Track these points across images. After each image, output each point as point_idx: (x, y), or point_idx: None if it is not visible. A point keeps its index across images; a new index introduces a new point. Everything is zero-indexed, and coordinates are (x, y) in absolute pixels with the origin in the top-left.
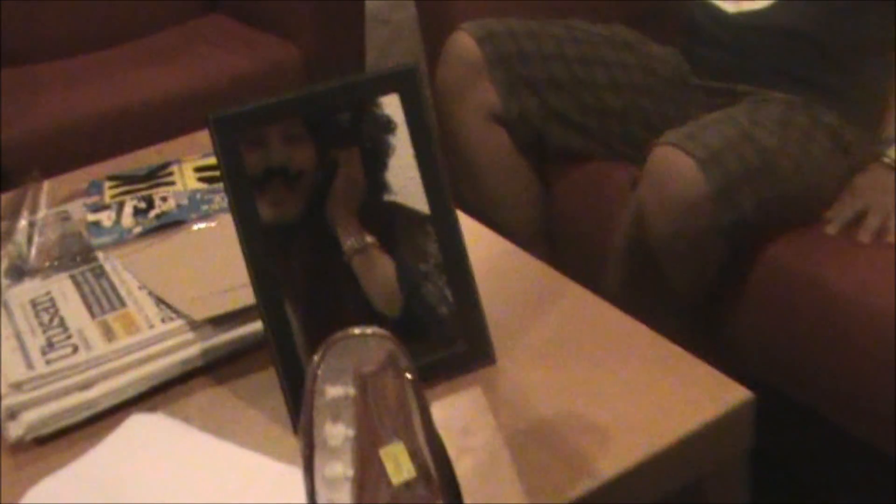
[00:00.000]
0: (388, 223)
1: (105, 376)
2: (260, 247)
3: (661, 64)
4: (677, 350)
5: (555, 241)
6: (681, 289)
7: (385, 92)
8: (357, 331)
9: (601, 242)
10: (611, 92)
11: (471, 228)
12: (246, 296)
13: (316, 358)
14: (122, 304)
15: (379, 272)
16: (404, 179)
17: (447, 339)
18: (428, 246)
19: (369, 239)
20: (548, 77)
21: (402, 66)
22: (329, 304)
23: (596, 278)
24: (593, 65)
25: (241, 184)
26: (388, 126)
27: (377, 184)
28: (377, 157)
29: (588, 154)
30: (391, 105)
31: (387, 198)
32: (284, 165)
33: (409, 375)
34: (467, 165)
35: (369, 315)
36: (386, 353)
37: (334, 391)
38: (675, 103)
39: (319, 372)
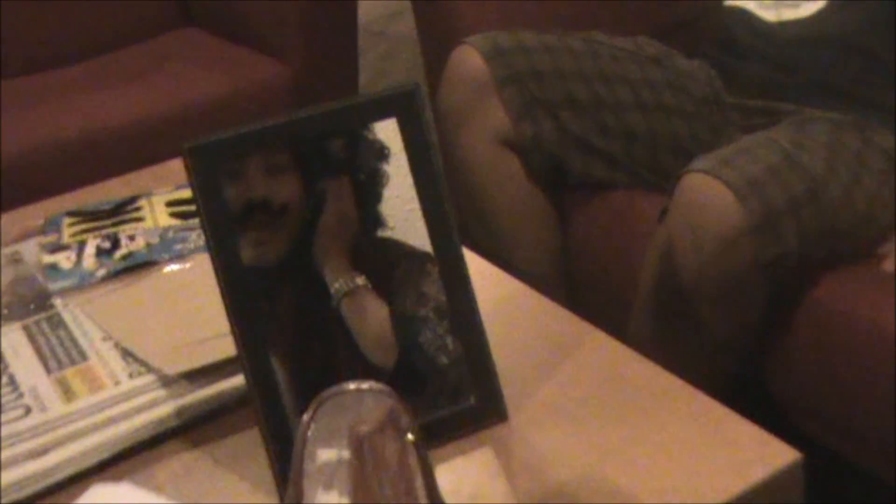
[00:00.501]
0: (383, 262)
1: (63, 441)
2: (242, 291)
3: (691, 81)
4: (715, 405)
5: (574, 281)
6: (718, 335)
7: (382, 116)
8: (352, 386)
9: (627, 283)
10: (636, 113)
11: (478, 268)
12: (225, 347)
13: (306, 417)
14: (84, 357)
15: (370, 317)
16: (402, 213)
17: (452, 394)
18: (427, 287)
19: (359, 280)
20: (565, 97)
21: (400, 87)
22: (320, 355)
23: (621, 324)
24: (616, 83)
25: (220, 220)
26: (382, 153)
27: (371, 218)
28: (371, 189)
29: (611, 183)
30: (387, 130)
31: (381, 234)
32: (267, 199)
33: (410, 436)
34: (474, 197)
35: (364, 367)
36: (385, 410)
37: (327, 454)
38: (708, 125)
39: (310, 433)
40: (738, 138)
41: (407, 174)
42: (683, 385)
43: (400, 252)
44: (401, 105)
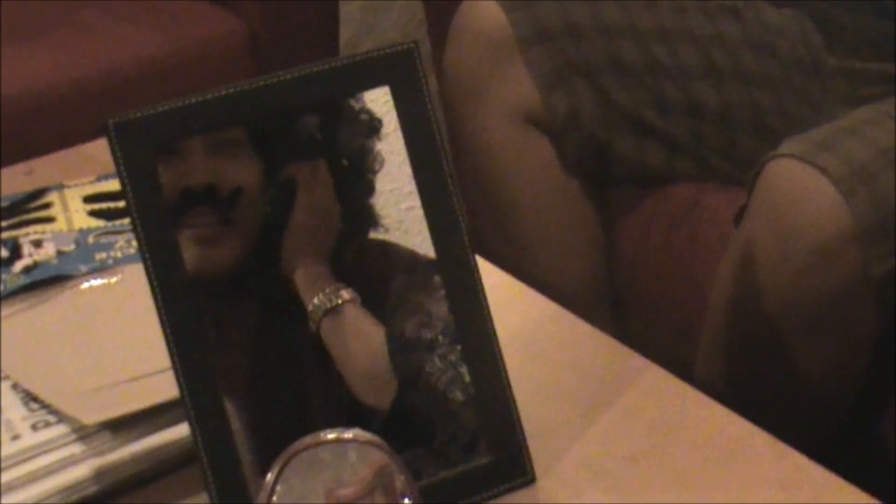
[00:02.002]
0: (374, 272)
1: None
2: (185, 312)
3: (780, 38)
4: (810, 465)
5: (621, 303)
6: (814, 373)
7: (370, 84)
8: (331, 435)
9: (692, 306)
10: (705, 81)
11: (496, 283)
12: (162, 388)
13: (270, 476)
14: None
15: (360, 342)
16: (398, 211)
17: (468, 445)
18: (434, 306)
19: (345, 294)
20: (610, 59)
21: (394, 47)
22: (289, 395)
23: (684, 357)
24: (679, 41)
25: (156, 218)
26: (372, 129)
27: (358, 215)
28: (357, 176)
29: (670, 174)
30: (378, 103)
31: (373, 235)
32: (211, 185)
33: (406, 501)
34: (490, 191)
35: (349, 409)
36: (374, 468)
37: None
38: (802, 96)
39: (275, 499)
40: (843, 114)
41: (403, 161)
42: (768, 438)
43: (397, 259)
44: (395, 70)
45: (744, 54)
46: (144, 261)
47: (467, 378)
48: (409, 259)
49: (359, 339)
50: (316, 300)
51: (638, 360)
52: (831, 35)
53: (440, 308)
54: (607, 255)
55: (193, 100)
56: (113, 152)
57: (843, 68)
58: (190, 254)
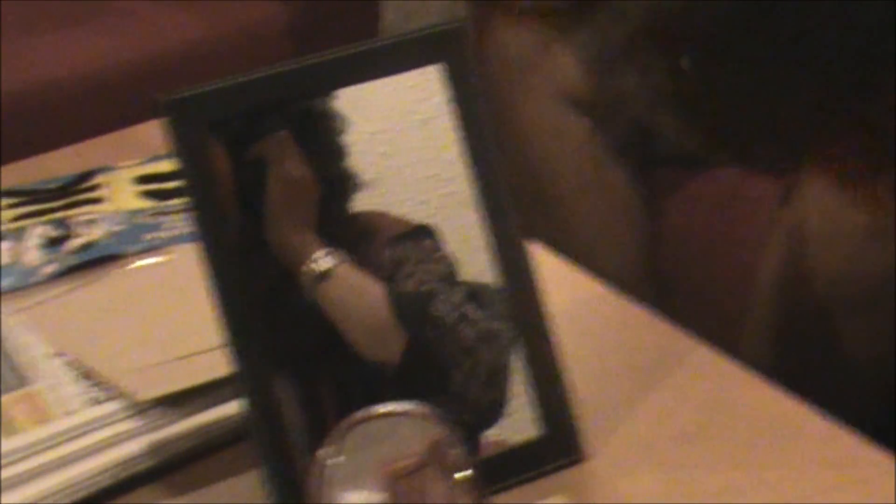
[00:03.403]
0: (365, 240)
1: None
2: (237, 289)
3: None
4: (858, 443)
5: (665, 284)
6: (862, 352)
7: (422, 62)
8: (383, 409)
9: (739, 288)
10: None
11: (544, 264)
12: (214, 365)
13: (323, 452)
14: (25, 380)
15: (360, 300)
16: (438, 197)
17: (484, 382)
18: (431, 266)
19: (335, 257)
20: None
21: (442, 25)
22: (336, 368)
23: (733, 338)
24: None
25: (211, 195)
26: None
27: (336, 179)
28: (324, 140)
29: (718, 157)
30: (427, 82)
31: (356, 200)
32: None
33: (462, 475)
34: (533, 174)
35: (356, 375)
36: (428, 441)
37: (353, 498)
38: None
39: (328, 472)
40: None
41: (444, 144)
42: (819, 418)
43: (387, 225)
44: (446, 49)
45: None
46: (200, 237)
47: (474, 316)
48: (400, 224)
49: (358, 297)
50: (307, 266)
51: (686, 341)
52: None
53: (438, 268)
54: (651, 237)
55: (244, 78)
56: (166, 130)
57: None
58: None
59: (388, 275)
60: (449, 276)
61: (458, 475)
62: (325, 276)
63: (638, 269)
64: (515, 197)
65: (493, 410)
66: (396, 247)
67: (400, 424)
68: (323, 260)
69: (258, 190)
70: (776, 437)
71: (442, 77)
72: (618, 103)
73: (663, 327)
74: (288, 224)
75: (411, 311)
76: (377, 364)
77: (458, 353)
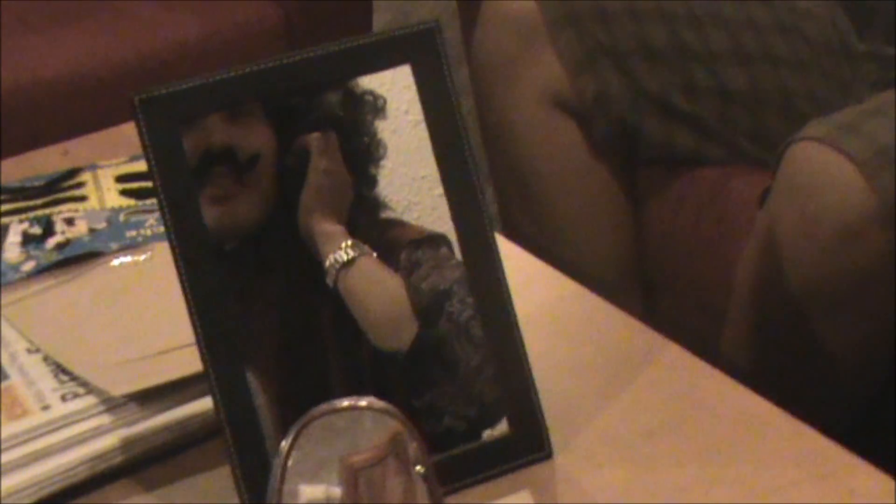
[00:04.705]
0: (387, 244)
1: None
2: (209, 284)
3: (810, 21)
4: (823, 441)
5: (650, 284)
6: (837, 353)
7: (392, 62)
8: (345, 402)
9: (718, 286)
10: (734, 64)
11: (520, 263)
12: (189, 361)
13: (285, 443)
14: (2, 375)
15: (378, 289)
16: (416, 191)
17: (488, 380)
18: (446, 271)
19: (362, 248)
20: (639, 43)
21: (415, 26)
22: (311, 364)
23: (709, 338)
24: (708, 25)
25: (181, 191)
26: (376, 112)
27: (366, 196)
28: (366, 157)
29: (699, 157)
30: (399, 82)
31: (384, 215)
32: (230, 148)
33: (419, 468)
34: (519, 174)
35: (367, 363)
36: (387, 434)
37: (312, 492)
38: (830, 79)
39: (291, 463)
40: (870, 98)
41: (425, 139)
42: (785, 416)
43: (407, 232)
44: (416, 49)
45: (773, 37)
46: (168, 234)
47: (483, 339)
48: (419, 232)
49: (377, 286)
50: (333, 256)
51: (657, 338)
52: (861, 20)
53: (452, 273)
54: (636, 237)
55: (215, 77)
56: (138, 127)
57: (873, 53)
58: (209, 214)
59: (405, 275)
60: (462, 281)
61: (417, 468)
62: (349, 264)
63: (622, 269)
64: (501, 196)
65: (496, 408)
66: (414, 251)
67: (360, 418)
68: (349, 249)
69: (297, 178)
70: (742, 433)
71: (416, 75)
72: (602, 103)
73: (635, 324)
74: (321, 214)
75: (427, 303)
76: (387, 352)
77: (468, 349)
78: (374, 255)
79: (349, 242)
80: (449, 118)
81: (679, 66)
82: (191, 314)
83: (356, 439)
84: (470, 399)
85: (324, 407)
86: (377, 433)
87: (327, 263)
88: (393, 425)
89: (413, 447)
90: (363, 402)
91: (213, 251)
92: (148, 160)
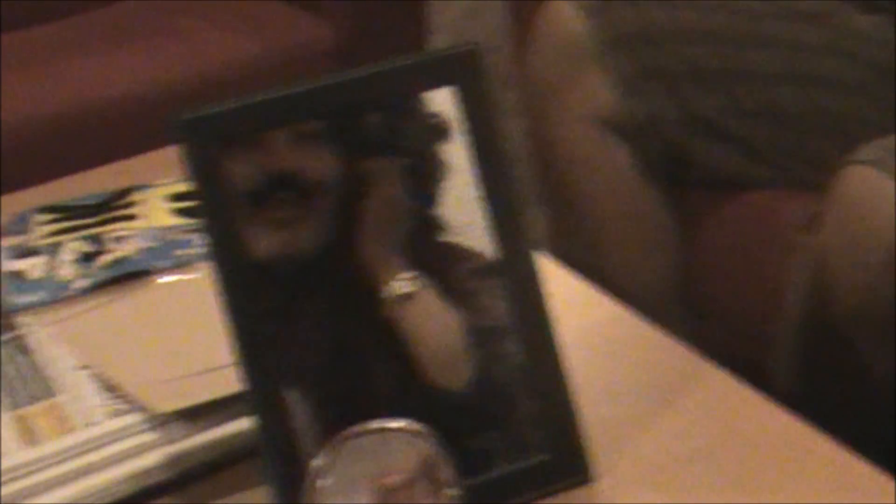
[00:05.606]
0: (443, 270)
1: (20, 497)
2: (249, 306)
3: (864, 43)
4: (876, 474)
5: (696, 305)
6: (885, 381)
7: (435, 84)
8: (376, 424)
9: (766, 312)
10: (784, 86)
11: (564, 284)
12: (233, 379)
13: (318, 462)
14: (51, 392)
15: (436, 325)
16: (464, 212)
17: (522, 441)
18: (502, 303)
19: (420, 280)
20: (688, 65)
21: (457, 48)
22: (355, 386)
23: (757, 365)
24: (759, 47)
25: (223, 212)
26: (439, 132)
27: (424, 218)
28: (426, 181)
29: (747, 179)
30: (444, 104)
31: (441, 237)
32: (295, 174)
33: (450, 492)
34: (567, 195)
35: (418, 395)
36: (418, 457)
37: None
38: (883, 103)
39: (323, 482)
40: None
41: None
42: (831, 445)
43: (464, 259)
44: (459, 71)
45: (824, 59)
46: (210, 254)
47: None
48: (476, 259)
49: (435, 322)
50: (390, 286)
51: (700, 363)
52: None
53: (502, 307)
54: (683, 259)
55: (256, 99)
56: (181, 149)
57: None
58: (270, 239)
59: (462, 305)
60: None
61: (447, 493)
62: (406, 297)
63: (669, 290)
64: (549, 216)
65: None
66: (472, 280)
67: (393, 440)
68: (408, 282)
69: (358, 204)
70: (785, 460)
71: (458, 97)
72: (651, 125)
73: (678, 348)
74: (380, 242)
75: (483, 345)
76: (443, 390)
77: (520, 393)
78: (432, 287)
79: (407, 274)
80: (491, 140)
81: (728, 88)
82: (231, 335)
83: (389, 460)
84: (523, 445)
85: (357, 428)
86: (409, 455)
87: (384, 294)
88: (425, 448)
89: (445, 470)
90: (396, 424)
91: (254, 272)
92: (190, 181)
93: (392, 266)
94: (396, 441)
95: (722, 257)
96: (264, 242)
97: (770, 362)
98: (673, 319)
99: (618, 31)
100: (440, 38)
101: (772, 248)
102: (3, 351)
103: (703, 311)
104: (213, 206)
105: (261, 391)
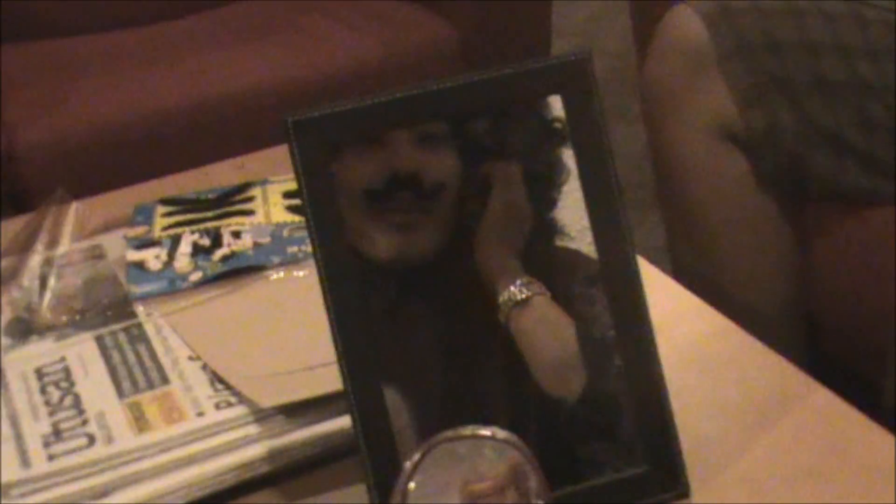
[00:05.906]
0: (560, 277)
1: (130, 481)
2: (353, 305)
3: None
4: None
5: (815, 322)
6: None
7: (543, 92)
8: (468, 430)
9: (885, 329)
10: None
11: (671, 296)
12: (336, 377)
13: (409, 465)
14: (165, 380)
15: (552, 333)
16: (580, 217)
17: (621, 452)
18: (606, 314)
19: (537, 287)
20: (813, 76)
21: (566, 56)
22: (463, 388)
23: (872, 383)
24: (886, 59)
25: (328, 213)
26: (559, 137)
27: (544, 223)
28: (547, 186)
29: (872, 195)
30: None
31: (559, 242)
32: (417, 174)
33: (537, 502)
34: (684, 205)
35: (531, 402)
36: (508, 465)
37: None
38: None
39: (414, 485)
40: None
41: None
42: None
43: (581, 266)
44: (567, 79)
45: None
46: (315, 253)
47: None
48: (593, 266)
49: (550, 330)
50: (508, 292)
51: (807, 381)
52: None
53: (611, 315)
54: (801, 274)
55: (366, 102)
56: (290, 149)
57: None
58: (390, 239)
59: (577, 313)
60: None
61: (535, 502)
62: (523, 303)
63: (787, 305)
64: (670, 227)
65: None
66: (587, 287)
67: (484, 447)
68: (525, 287)
69: (478, 207)
70: (889, 485)
71: (566, 106)
72: (771, 136)
73: (784, 365)
74: (499, 246)
75: (597, 356)
76: (551, 398)
77: (623, 406)
78: (549, 294)
79: (524, 280)
80: (597, 148)
81: (854, 100)
82: (333, 333)
83: (479, 466)
84: (621, 456)
85: (450, 432)
86: (499, 462)
87: (501, 299)
88: (514, 456)
89: (535, 480)
90: (486, 431)
91: (362, 272)
92: (298, 181)
93: (509, 271)
94: (488, 448)
95: (841, 274)
96: (382, 243)
97: (885, 381)
98: (786, 332)
99: (740, 40)
100: (564, 42)
101: (893, 265)
102: (121, 338)
103: (821, 327)
104: (317, 206)
105: (360, 390)
